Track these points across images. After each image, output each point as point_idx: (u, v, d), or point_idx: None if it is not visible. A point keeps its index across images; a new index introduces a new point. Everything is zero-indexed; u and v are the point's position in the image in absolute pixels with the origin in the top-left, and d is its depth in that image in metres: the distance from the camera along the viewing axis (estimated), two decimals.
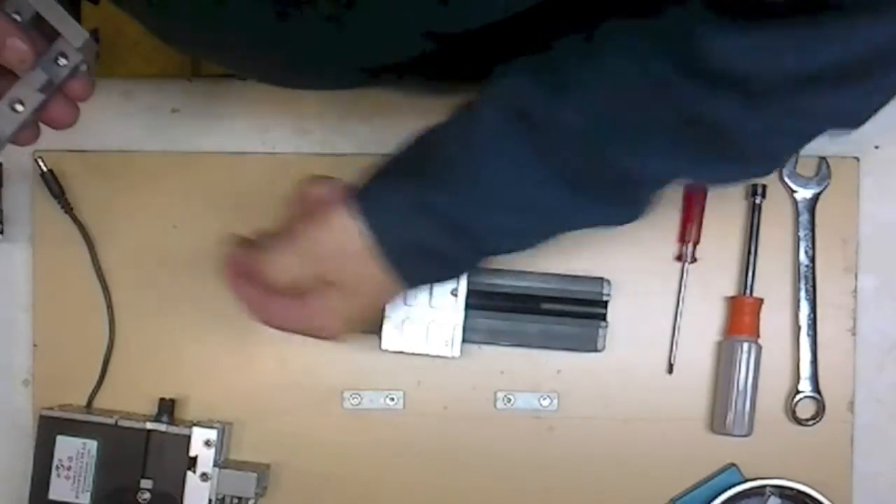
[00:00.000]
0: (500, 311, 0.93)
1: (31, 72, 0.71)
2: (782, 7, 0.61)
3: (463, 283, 0.89)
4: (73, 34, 0.72)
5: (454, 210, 0.72)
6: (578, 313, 0.93)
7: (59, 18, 0.72)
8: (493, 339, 0.94)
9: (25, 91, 0.72)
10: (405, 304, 0.89)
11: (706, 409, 0.95)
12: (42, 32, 0.72)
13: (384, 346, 0.90)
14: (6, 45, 0.69)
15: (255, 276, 0.76)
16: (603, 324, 0.93)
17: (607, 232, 0.77)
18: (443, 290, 0.89)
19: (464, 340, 0.90)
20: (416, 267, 0.75)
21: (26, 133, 0.75)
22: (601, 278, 0.93)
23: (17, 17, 0.71)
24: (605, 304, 0.93)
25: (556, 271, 0.94)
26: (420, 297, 0.89)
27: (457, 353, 0.90)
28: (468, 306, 0.90)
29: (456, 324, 0.90)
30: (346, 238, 0.73)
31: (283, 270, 0.75)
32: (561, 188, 0.71)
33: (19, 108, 0.72)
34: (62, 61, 0.73)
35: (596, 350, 0.93)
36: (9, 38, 0.69)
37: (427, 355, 0.90)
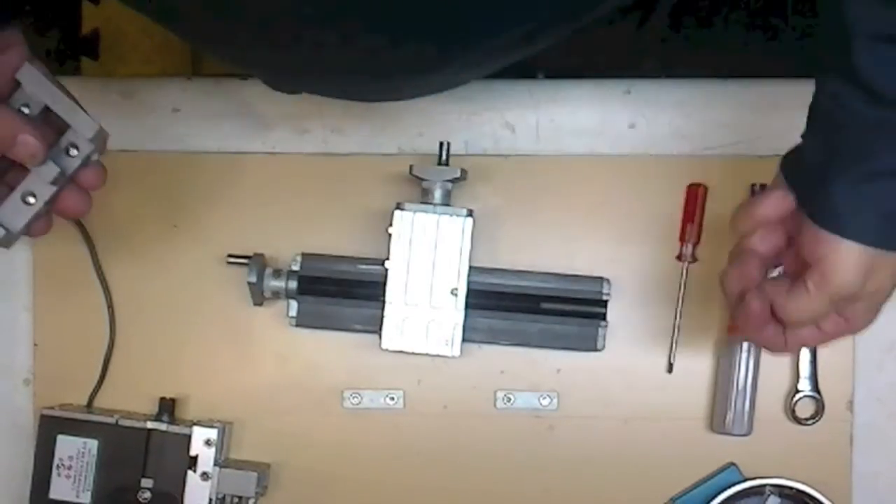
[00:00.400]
0: (500, 311, 0.93)
1: (43, 165, 0.71)
2: None
3: (463, 283, 0.89)
4: (85, 127, 0.73)
5: None
6: (578, 313, 0.93)
7: (69, 111, 0.73)
8: (493, 338, 0.94)
9: (37, 184, 0.73)
10: (405, 303, 0.89)
11: (706, 409, 0.96)
12: (51, 123, 0.73)
13: (384, 345, 0.90)
14: (17, 141, 0.70)
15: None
16: (603, 323, 0.93)
17: None
18: (443, 289, 0.89)
19: (464, 340, 0.90)
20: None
21: (39, 224, 0.75)
22: (601, 278, 0.93)
23: (26, 110, 0.72)
24: (604, 304, 0.93)
25: (556, 271, 0.94)
26: (420, 296, 0.89)
27: (457, 352, 0.90)
28: (468, 306, 0.90)
29: (456, 323, 0.90)
30: (855, 265, 0.71)
31: (807, 314, 0.74)
32: None
33: (31, 200, 0.73)
34: (73, 152, 0.74)
35: (596, 349, 0.93)
36: (20, 135, 0.70)
37: (427, 355, 0.90)
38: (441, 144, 0.90)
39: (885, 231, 0.71)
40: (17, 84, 0.72)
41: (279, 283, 0.92)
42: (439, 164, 0.90)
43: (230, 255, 0.93)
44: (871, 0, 0.66)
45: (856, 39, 0.66)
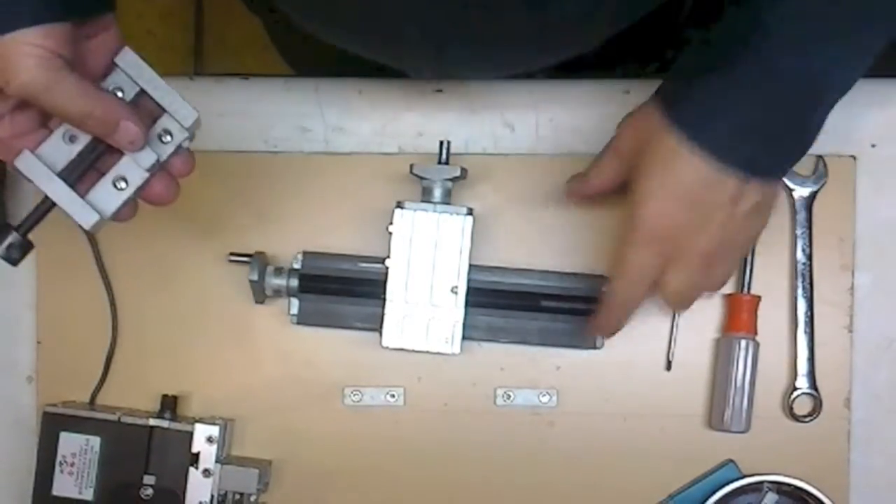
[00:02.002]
0: (499, 309, 0.94)
1: (140, 151, 0.71)
2: None
3: (463, 281, 0.90)
4: (184, 114, 0.73)
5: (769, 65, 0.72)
6: (577, 311, 0.93)
7: (167, 97, 0.73)
8: (493, 336, 0.94)
9: (131, 170, 0.72)
10: (405, 301, 0.90)
11: (704, 406, 0.96)
12: (143, 109, 0.73)
13: (385, 343, 0.90)
14: (119, 127, 0.69)
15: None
16: None
17: None
18: (443, 287, 0.90)
19: (464, 337, 0.91)
20: (747, 147, 0.75)
21: (126, 210, 0.75)
22: (600, 275, 0.94)
23: (120, 94, 0.72)
24: None
25: (556, 269, 0.95)
26: (420, 294, 0.90)
27: (457, 349, 0.90)
28: (468, 304, 0.90)
29: (456, 321, 0.90)
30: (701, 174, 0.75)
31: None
32: None
33: (123, 185, 0.72)
34: (167, 139, 0.73)
35: (595, 347, 0.94)
36: (122, 121, 0.69)
37: (427, 352, 0.90)
38: (441, 143, 0.90)
39: (731, 142, 0.74)
40: (111, 67, 0.72)
41: (281, 281, 0.92)
42: (439, 163, 0.90)
43: (231, 254, 0.94)
44: None
45: None
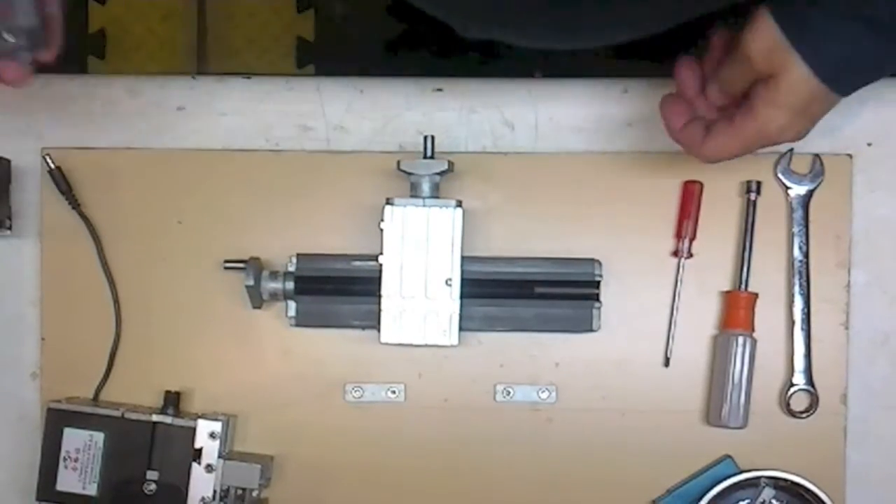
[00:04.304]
0: (495, 298, 0.94)
1: None
2: None
3: (456, 273, 0.90)
4: (24, 16, 0.74)
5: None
6: (572, 295, 0.94)
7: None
8: (490, 325, 0.95)
9: None
10: (401, 296, 0.91)
11: (702, 402, 0.97)
12: None
13: (383, 339, 0.91)
14: None
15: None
16: (597, 304, 0.94)
17: None
18: (437, 280, 0.90)
19: (461, 329, 0.91)
20: (857, 76, 0.77)
21: None
22: (592, 259, 0.94)
23: None
24: (597, 285, 0.94)
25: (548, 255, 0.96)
26: (415, 288, 0.90)
27: (454, 341, 0.91)
28: (463, 295, 0.91)
29: (452, 313, 0.91)
30: (802, 90, 0.76)
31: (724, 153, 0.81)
32: None
33: None
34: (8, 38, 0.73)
35: (591, 330, 0.94)
36: None
37: (426, 345, 0.91)
38: (426, 139, 0.91)
39: (838, 70, 0.75)
40: None
41: (276, 285, 0.93)
42: (425, 157, 0.91)
43: (227, 261, 0.94)
44: None
45: None
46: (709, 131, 0.82)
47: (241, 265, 0.93)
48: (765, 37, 0.76)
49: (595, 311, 0.94)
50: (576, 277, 0.94)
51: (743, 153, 0.81)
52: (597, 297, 0.94)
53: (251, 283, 0.92)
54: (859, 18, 0.72)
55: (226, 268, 0.94)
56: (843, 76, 0.76)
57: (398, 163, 0.91)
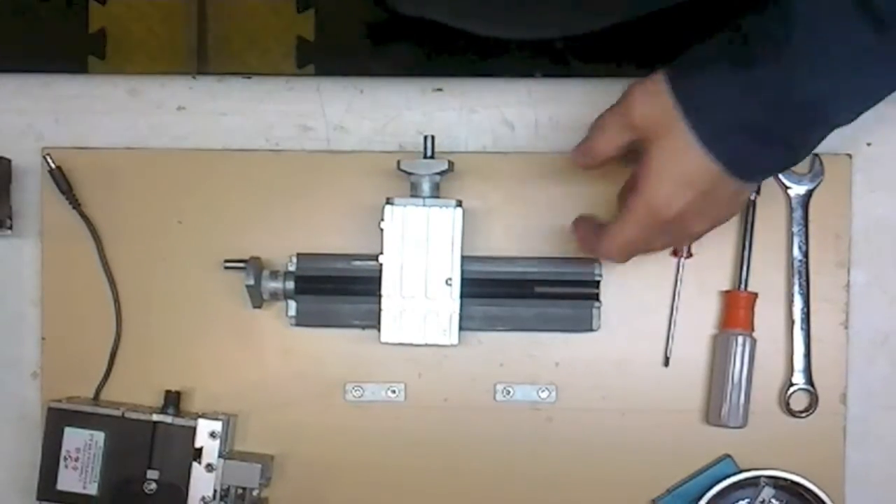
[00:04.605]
0: (495, 298, 0.94)
1: None
2: None
3: (456, 273, 0.90)
4: None
5: (779, 81, 0.73)
6: (572, 295, 0.94)
7: None
8: (490, 325, 0.95)
9: None
10: (401, 296, 0.91)
11: (701, 401, 0.97)
12: None
13: (383, 338, 0.91)
14: None
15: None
16: (597, 304, 0.94)
17: None
18: (437, 280, 0.90)
19: (461, 328, 0.91)
20: (740, 148, 0.76)
21: None
22: (592, 258, 0.94)
23: None
24: (597, 284, 0.94)
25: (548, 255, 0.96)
26: (415, 288, 0.90)
27: (454, 340, 0.91)
28: (463, 295, 0.91)
29: (452, 312, 0.91)
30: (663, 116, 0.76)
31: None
32: None
33: None
34: None
35: (591, 329, 0.94)
36: None
37: (426, 345, 0.91)
38: (426, 138, 0.91)
39: (723, 136, 0.75)
40: None
41: (277, 285, 0.93)
42: (425, 157, 0.91)
43: (227, 261, 0.95)
44: None
45: None
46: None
47: (241, 265, 0.93)
48: (653, 100, 0.77)
49: (595, 311, 0.94)
50: (576, 277, 0.94)
51: (643, 242, 0.82)
52: (597, 297, 0.94)
53: (251, 282, 0.92)
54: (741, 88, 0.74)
55: (226, 267, 0.94)
56: (732, 150, 0.76)
57: (398, 162, 0.91)
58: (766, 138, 0.76)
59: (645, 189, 0.78)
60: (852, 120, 0.77)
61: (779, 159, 0.80)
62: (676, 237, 0.84)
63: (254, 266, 0.92)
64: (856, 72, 0.73)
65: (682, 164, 0.77)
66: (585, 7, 0.83)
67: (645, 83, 0.78)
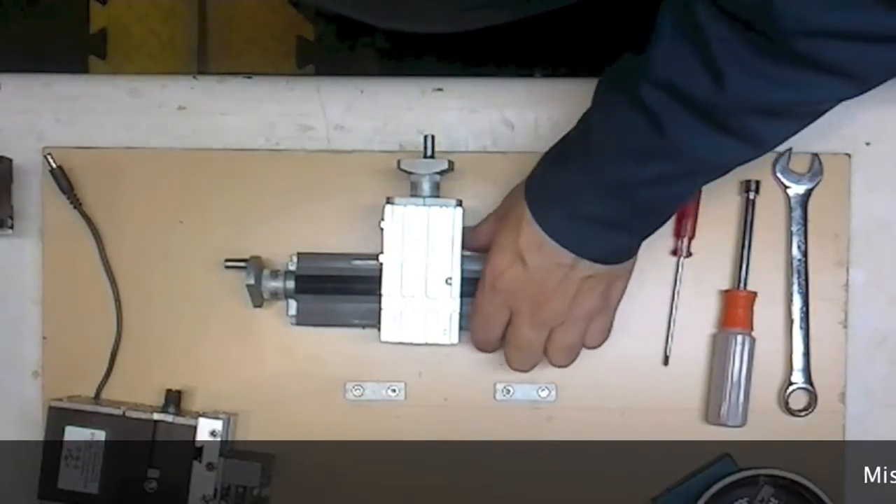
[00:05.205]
0: None
1: None
2: None
3: (457, 272, 0.90)
4: None
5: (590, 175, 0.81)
6: None
7: None
8: None
9: None
10: (401, 295, 0.91)
11: (701, 400, 0.97)
12: None
13: (384, 338, 0.91)
14: None
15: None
16: None
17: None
18: (437, 279, 0.90)
19: (461, 328, 0.91)
20: (584, 237, 0.83)
21: None
22: None
23: None
24: None
25: None
26: (415, 287, 0.90)
27: (455, 339, 0.91)
28: (463, 294, 0.91)
29: (452, 311, 0.91)
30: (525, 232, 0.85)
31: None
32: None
33: None
34: None
35: None
36: None
37: (426, 344, 0.91)
38: (426, 138, 0.91)
39: (563, 225, 0.83)
40: None
41: (277, 284, 0.93)
42: (425, 157, 0.91)
43: (227, 260, 0.95)
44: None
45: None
46: None
47: (241, 264, 0.93)
48: (513, 194, 0.88)
49: None
50: None
51: (486, 319, 0.89)
52: None
53: (252, 282, 0.92)
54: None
55: (226, 267, 0.94)
56: (558, 228, 0.83)
57: (398, 162, 0.91)
58: (593, 221, 0.82)
59: (488, 257, 0.88)
60: (688, 196, 0.86)
61: (616, 240, 0.85)
62: (541, 320, 0.88)
63: (254, 265, 0.93)
64: (649, 161, 0.78)
65: (518, 237, 0.85)
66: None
67: (517, 186, 0.88)
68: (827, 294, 0.96)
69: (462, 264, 0.91)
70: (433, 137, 0.91)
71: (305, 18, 1.56)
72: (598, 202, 0.81)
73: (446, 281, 0.90)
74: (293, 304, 0.94)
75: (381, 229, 0.90)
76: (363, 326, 0.95)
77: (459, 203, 0.91)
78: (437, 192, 0.92)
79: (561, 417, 0.97)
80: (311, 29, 1.84)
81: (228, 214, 0.97)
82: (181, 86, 0.99)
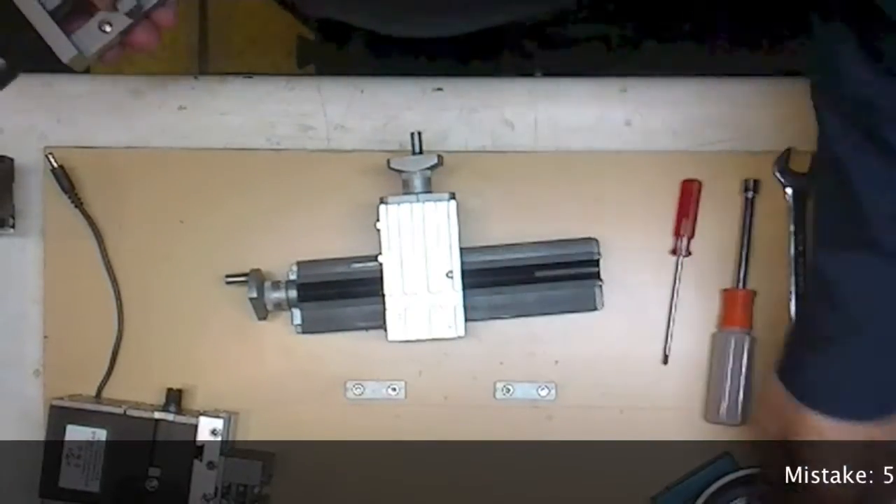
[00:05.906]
0: (496, 286, 0.94)
1: None
2: None
3: (456, 265, 0.91)
4: None
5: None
6: (573, 276, 0.94)
7: None
8: (494, 313, 0.94)
9: (115, 15, 0.75)
10: (404, 293, 0.91)
11: (700, 399, 0.97)
12: None
13: (390, 337, 0.91)
14: None
15: None
16: (598, 282, 0.94)
17: None
18: (438, 274, 0.91)
19: (466, 319, 0.92)
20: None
21: (111, 54, 0.78)
22: (590, 238, 0.94)
23: None
24: (597, 263, 0.94)
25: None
26: (417, 284, 0.91)
27: (461, 332, 0.91)
28: (465, 286, 0.91)
29: (455, 304, 0.91)
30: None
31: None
32: None
33: (107, 29, 0.75)
34: None
35: (595, 309, 0.94)
36: None
37: (433, 339, 0.91)
38: (413, 135, 0.91)
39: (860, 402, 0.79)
40: None
41: (280, 295, 0.93)
42: (413, 153, 0.91)
43: (228, 276, 0.95)
44: None
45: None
46: None
47: (242, 279, 0.93)
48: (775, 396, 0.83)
49: (597, 290, 0.94)
50: (575, 258, 0.94)
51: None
52: (598, 276, 0.94)
53: (255, 295, 0.92)
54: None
55: (227, 282, 0.95)
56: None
57: (388, 161, 0.91)
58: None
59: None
60: None
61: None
62: None
63: (255, 278, 0.93)
64: None
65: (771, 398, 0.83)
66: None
67: (762, 399, 0.89)
68: None
69: (461, 256, 0.91)
70: (419, 134, 0.92)
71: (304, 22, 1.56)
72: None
73: (447, 274, 0.90)
74: (297, 313, 0.94)
75: (377, 230, 0.90)
76: (368, 328, 0.95)
77: (453, 196, 0.91)
78: (429, 187, 0.92)
79: (561, 416, 0.97)
80: (312, 29, 1.84)
81: (229, 214, 0.98)
82: (182, 86, 0.99)
